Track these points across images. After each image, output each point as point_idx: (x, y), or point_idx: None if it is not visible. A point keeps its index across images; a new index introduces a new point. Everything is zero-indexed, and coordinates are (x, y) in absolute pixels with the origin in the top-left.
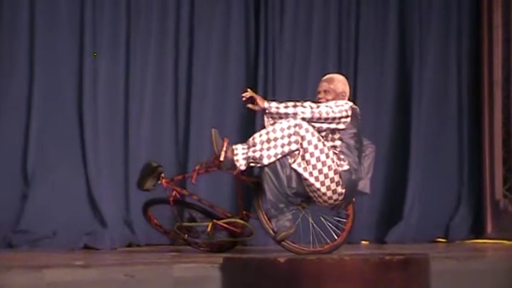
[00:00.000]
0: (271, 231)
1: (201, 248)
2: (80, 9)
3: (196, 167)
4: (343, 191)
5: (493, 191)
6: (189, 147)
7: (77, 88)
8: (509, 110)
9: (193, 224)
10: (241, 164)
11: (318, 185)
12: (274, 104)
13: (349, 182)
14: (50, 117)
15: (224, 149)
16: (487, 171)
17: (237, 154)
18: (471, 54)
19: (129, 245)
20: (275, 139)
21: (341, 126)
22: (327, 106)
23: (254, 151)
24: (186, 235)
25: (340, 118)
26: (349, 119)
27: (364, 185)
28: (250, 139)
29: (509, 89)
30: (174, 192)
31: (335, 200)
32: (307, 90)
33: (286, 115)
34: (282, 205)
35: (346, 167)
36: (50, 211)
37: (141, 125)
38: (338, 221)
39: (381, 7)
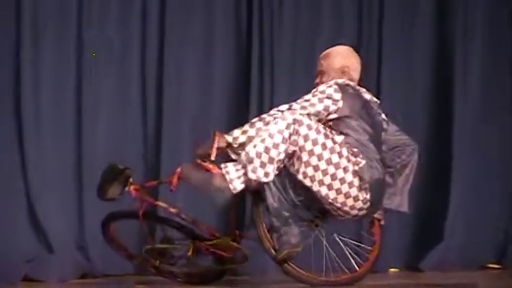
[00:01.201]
0: (272, 250)
1: (178, 279)
2: None
3: (178, 170)
4: (368, 196)
5: None
6: (162, 151)
7: (13, 89)
8: None
9: (168, 246)
10: (235, 188)
11: (332, 194)
12: (236, 133)
13: (373, 182)
14: None
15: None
16: None
17: (231, 179)
18: None
19: (83, 276)
20: (275, 146)
21: (333, 116)
22: (303, 100)
23: (253, 170)
24: (158, 261)
25: (325, 110)
26: (340, 104)
27: (400, 202)
28: (243, 154)
29: None
30: (144, 204)
31: (359, 210)
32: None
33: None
34: (286, 214)
35: (363, 162)
36: None
37: (97, 123)
38: (358, 246)
39: None
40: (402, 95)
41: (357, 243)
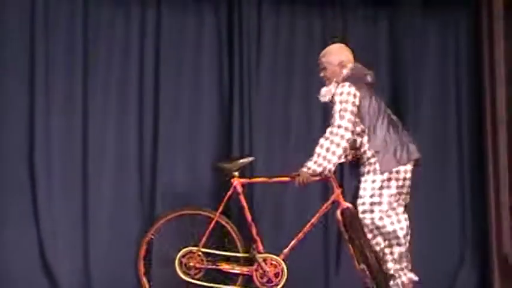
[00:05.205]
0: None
1: None
2: (30, 51)
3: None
4: None
5: (500, 245)
6: (156, 202)
7: (27, 138)
8: None
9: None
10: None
11: None
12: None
13: None
14: None
15: None
16: (493, 222)
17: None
18: (472, 92)
19: None
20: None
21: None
22: (338, 112)
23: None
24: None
25: (353, 105)
26: (358, 94)
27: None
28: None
29: None
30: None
31: None
32: (290, 127)
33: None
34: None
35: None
36: None
37: (101, 179)
38: None
39: (372, 39)
40: None
41: None
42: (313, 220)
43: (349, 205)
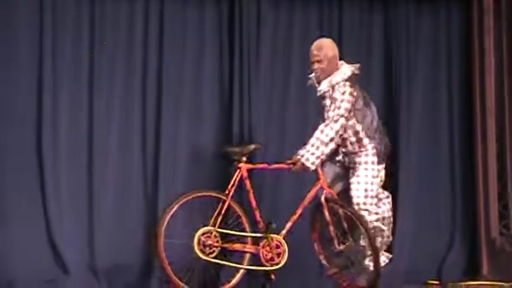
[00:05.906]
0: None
1: None
2: (38, 41)
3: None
4: None
5: (488, 229)
6: (159, 185)
7: (35, 125)
8: (504, 141)
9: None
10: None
11: None
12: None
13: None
14: (4, 156)
15: None
16: (482, 207)
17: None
18: (462, 81)
19: None
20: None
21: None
22: (336, 108)
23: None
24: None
25: (350, 103)
26: (355, 94)
27: None
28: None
29: (503, 118)
30: (237, 185)
31: None
32: (286, 119)
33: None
34: None
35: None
36: (5, 258)
37: (106, 163)
38: None
39: (365, 36)
40: None
41: None
42: (305, 203)
43: (332, 191)
